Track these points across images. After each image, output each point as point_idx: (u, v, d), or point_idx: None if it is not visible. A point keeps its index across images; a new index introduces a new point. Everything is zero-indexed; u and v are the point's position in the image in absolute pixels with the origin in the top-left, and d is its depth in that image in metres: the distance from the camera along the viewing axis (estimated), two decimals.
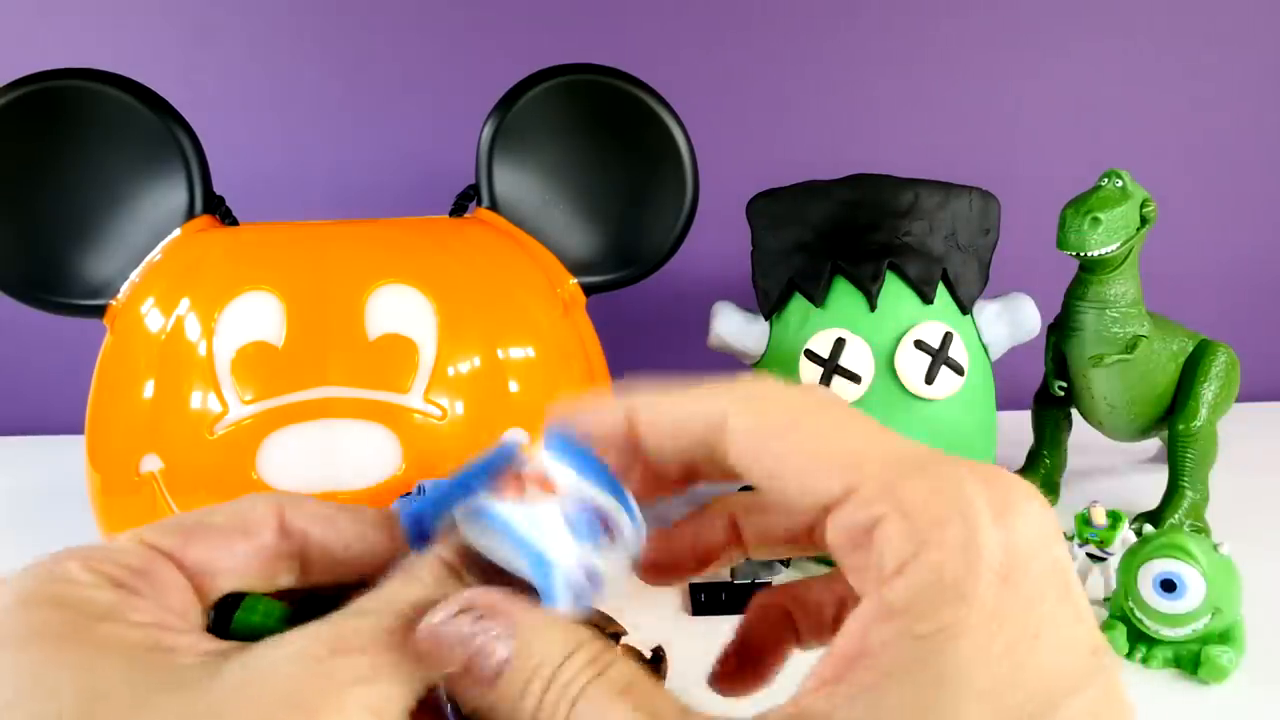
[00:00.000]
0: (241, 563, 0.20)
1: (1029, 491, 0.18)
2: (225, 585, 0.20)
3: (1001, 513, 0.17)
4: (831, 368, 0.57)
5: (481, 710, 0.18)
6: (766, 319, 0.61)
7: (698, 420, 0.20)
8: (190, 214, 0.54)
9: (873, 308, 0.57)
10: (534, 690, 0.18)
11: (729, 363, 0.64)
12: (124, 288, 0.53)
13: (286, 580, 0.21)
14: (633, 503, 0.21)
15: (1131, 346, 0.61)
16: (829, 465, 0.19)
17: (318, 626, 0.18)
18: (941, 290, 0.58)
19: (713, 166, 0.62)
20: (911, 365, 0.56)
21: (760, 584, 0.54)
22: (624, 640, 0.41)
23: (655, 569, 0.23)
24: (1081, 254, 0.59)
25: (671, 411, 0.21)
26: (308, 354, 0.48)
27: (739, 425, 0.20)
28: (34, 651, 0.17)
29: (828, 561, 0.21)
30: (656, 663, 0.40)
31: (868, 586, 0.18)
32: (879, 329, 0.57)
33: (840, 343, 0.57)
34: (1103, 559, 0.54)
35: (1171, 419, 0.63)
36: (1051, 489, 0.70)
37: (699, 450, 0.21)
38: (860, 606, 0.18)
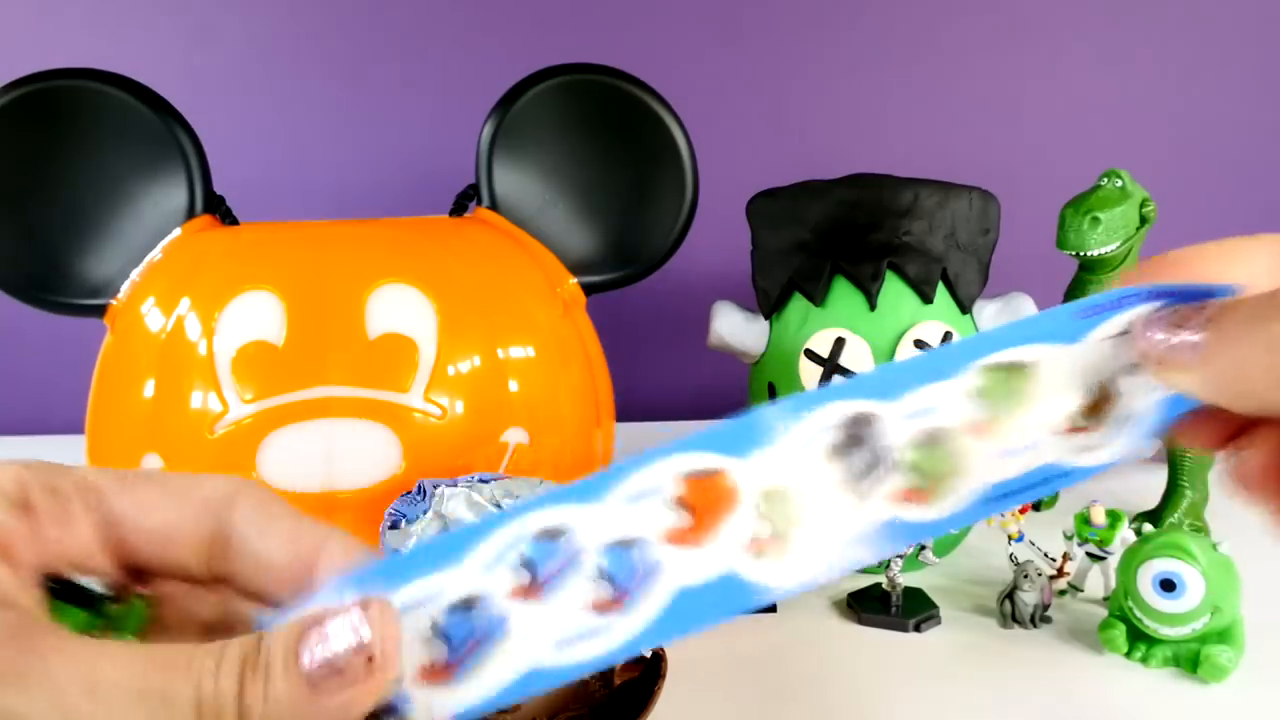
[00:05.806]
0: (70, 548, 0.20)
1: None
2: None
3: None
4: (831, 367, 0.57)
5: None
6: (766, 318, 0.61)
7: None
8: (191, 213, 0.54)
9: (872, 307, 0.57)
10: None
11: (729, 362, 0.65)
12: (124, 287, 0.53)
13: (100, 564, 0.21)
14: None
15: None
16: None
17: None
18: (941, 290, 0.58)
19: (713, 166, 0.62)
20: None
21: None
22: None
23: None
24: (1081, 254, 0.59)
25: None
26: (308, 353, 0.48)
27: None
28: None
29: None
30: (656, 663, 0.40)
31: None
32: (879, 328, 0.57)
33: (840, 342, 0.57)
34: (1102, 558, 0.54)
35: None
36: None
37: None
38: None
